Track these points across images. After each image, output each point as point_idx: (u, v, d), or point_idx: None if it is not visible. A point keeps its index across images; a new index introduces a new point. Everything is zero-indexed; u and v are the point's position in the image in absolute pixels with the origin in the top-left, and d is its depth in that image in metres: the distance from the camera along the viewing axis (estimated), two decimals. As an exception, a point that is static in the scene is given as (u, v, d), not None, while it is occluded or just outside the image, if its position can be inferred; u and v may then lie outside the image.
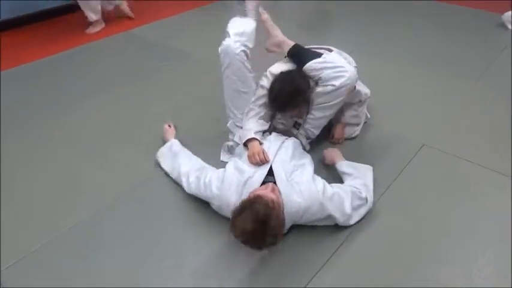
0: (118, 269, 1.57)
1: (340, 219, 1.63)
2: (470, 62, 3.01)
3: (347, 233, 1.66)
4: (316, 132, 1.99)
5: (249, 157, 1.73)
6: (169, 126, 2.22)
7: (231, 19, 2.02)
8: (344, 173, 1.85)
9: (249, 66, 1.95)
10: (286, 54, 1.93)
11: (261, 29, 2.02)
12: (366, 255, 1.60)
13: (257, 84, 1.95)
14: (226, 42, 1.90)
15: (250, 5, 3.27)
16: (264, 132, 1.94)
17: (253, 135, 1.84)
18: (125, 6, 3.84)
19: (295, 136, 1.96)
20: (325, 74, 1.76)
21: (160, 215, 1.80)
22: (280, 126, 2.01)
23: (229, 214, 1.51)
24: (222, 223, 1.67)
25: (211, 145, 2.11)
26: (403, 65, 3.00)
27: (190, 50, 3.22)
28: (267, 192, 1.52)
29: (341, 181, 1.83)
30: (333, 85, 1.76)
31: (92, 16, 3.56)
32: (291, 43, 1.93)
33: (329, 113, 1.90)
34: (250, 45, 1.95)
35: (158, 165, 2.02)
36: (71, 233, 1.72)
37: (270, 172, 1.65)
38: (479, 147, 2.15)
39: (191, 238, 1.69)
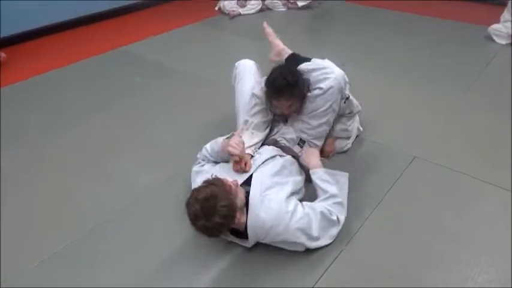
0: (116, 286, 1.55)
1: (306, 243, 1.60)
2: (459, 74, 3.05)
3: (343, 246, 1.66)
4: (319, 143, 2.00)
5: (233, 164, 1.76)
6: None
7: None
8: (317, 186, 1.76)
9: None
10: (284, 60, 2.15)
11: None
12: (363, 265, 1.60)
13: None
14: None
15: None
16: (262, 144, 1.95)
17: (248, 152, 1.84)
18: None
19: (297, 156, 1.93)
20: (312, 76, 1.85)
21: (160, 230, 1.80)
22: (284, 142, 1.99)
23: None
24: (224, 242, 1.68)
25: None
26: (393, 77, 3.03)
27: (181, 67, 3.23)
28: (227, 180, 1.57)
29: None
30: (320, 88, 1.83)
31: None
32: (289, 51, 2.22)
33: (324, 120, 1.91)
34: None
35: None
36: (69, 249, 1.72)
37: (250, 182, 1.66)
38: (471, 158, 2.16)
39: (193, 255, 1.68)
